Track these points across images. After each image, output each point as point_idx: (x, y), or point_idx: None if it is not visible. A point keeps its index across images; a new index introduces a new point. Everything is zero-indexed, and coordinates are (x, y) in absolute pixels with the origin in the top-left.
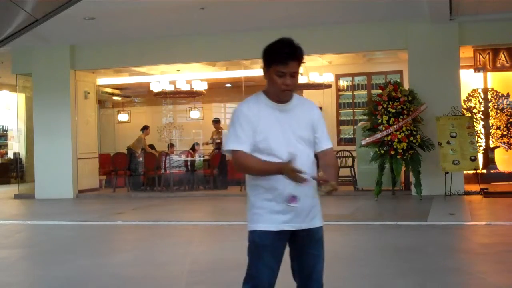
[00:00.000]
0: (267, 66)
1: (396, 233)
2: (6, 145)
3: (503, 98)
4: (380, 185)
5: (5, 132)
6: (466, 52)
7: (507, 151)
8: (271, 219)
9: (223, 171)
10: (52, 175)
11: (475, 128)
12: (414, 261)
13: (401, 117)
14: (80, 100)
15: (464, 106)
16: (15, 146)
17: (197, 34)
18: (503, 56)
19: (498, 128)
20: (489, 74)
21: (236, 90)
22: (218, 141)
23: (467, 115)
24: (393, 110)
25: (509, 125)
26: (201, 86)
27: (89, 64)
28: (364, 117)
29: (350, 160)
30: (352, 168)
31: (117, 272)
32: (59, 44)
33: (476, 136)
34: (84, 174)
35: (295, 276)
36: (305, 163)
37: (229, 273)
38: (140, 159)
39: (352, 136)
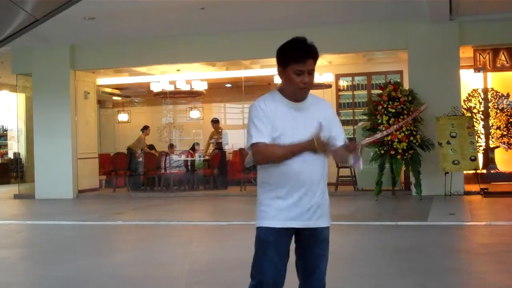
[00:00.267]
0: (283, 65)
1: (396, 233)
2: (6, 145)
3: (503, 98)
4: (380, 185)
5: (5, 132)
6: (466, 52)
7: (507, 151)
8: (276, 216)
9: (223, 171)
10: (52, 175)
11: (475, 128)
12: (414, 261)
13: (401, 117)
14: (80, 100)
15: (464, 106)
16: (15, 146)
17: (197, 34)
18: (503, 56)
19: (498, 128)
20: (489, 74)
21: (236, 90)
22: (220, 140)
23: (467, 115)
24: (393, 110)
25: (509, 125)
26: (201, 86)
27: (89, 64)
28: (364, 117)
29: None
30: (352, 168)
31: (117, 272)
32: (59, 44)
33: (476, 136)
34: (84, 174)
35: (299, 273)
36: (318, 162)
37: (229, 273)
38: (140, 159)
39: (352, 136)
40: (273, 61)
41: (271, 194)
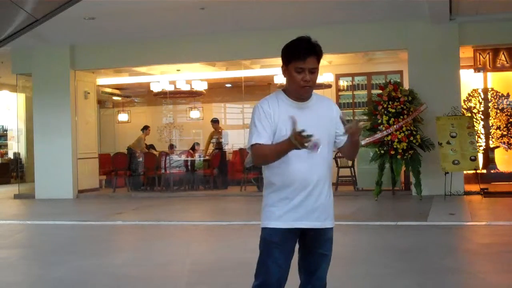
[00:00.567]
0: (286, 63)
1: (396, 233)
2: (6, 145)
3: (503, 98)
4: (380, 185)
5: (5, 132)
6: (466, 52)
7: (507, 151)
8: (282, 217)
9: (223, 171)
10: (52, 175)
11: (475, 128)
12: (414, 261)
13: (401, 117)
14: (80, 100)
15: (464, 106)
16: (15, 146)
17: (197, 34)
18: (503, 56)
19: (498, 128)
20: (489, 74)
21: (236, 90)
22: (220, 140)
23: (467, 115)
24: (393, 110)
25: (509, 125)
26: (201, 86)
27: (89, 64)
28: (364, 117)
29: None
30: (352, 168)
31: (117, 272)
32: (59, 44)
33: (476, 136)
34: (84, 174)
35: (300, 272)
36: (323, 162)
37: (229, 273)
38: (140, 159)
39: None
40: (273, 61)
41: (276, 195)
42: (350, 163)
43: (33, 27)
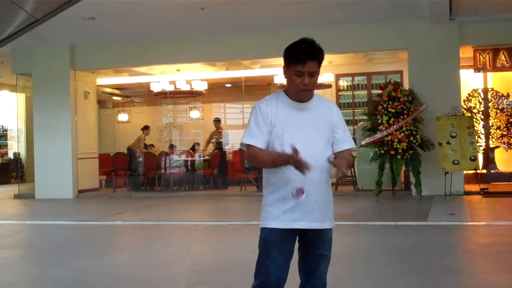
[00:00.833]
0: (287, 65)
1: (396, 233)
2: (6, 145)
3: (503, 98)
4: (380, 185)
5: (5, 132)
6: (466, 52)
7: (507, 151)
8: (280, 217)
9: (223, 171)
10: (52, 175)
11: (475, 128)
12: (414, 261)
13: (401, 117)
14: (80, 100)
15: (464, 106)
16: (15, 146)
17: (197, 34)
18: (503, 56)
19: (498, 128)
20: (489, 74)
21: (236, 90)
22: (221, 140)
23: (467, 115)
24: (393, 110)
25: (509, 125)
26: (201, 86)
27: (89, 64)
28: (364, 117)
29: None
30: (352, 168)
31: (117, 272)
32: (59, 44)
33: (476, 136)
34: (84, 174)
35: (300, 272)
36: (320, 163)
37: (229, 273)
38: (140, 159)
39: (352, 136)
40: (273, 61)
41: (275, 195)
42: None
43: (33, 27)
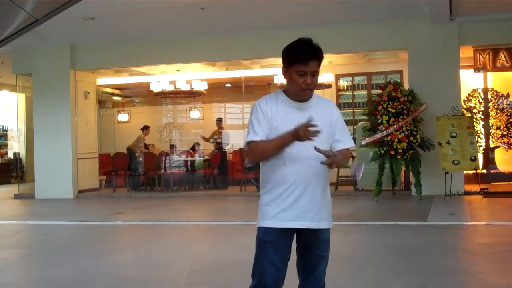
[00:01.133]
0: (287, 66)
1: (396, 233)
2: (6, 145)
3: (503, 98)
4: (380, 185)
5: (5, 132)
6: (466, 52)
7: (507, 151)
8: (276, 216)
9: (223, 171)
10: (52, 175)
11: (475, 128)
12: (414, 261)
13: (401, 117)
14: (80, 100)
15: (464, 106)
16: (15, 146)
17: (197, 34)
18: (503, 56)
19: (498, 128)
20: (489, 74)
21: (236, 90)
22: (219, 140)
23: (467, 115)
24: (393, 110)
25: (509, 125)
26: (201, 86)
27: (89, 64)
28: (364, 117)
29: (350, 160)
30: (353, 175)
31: (117, 272)
32: (59, 44)
33: (476, 136)
34: (84, 174)
35: (299, 272)
36: (317, 161)
37: (229, 273)
38: (140, 159)
39: (352, 136)
40: (273, 61)
41: (271, 195)
42: (350, 163)
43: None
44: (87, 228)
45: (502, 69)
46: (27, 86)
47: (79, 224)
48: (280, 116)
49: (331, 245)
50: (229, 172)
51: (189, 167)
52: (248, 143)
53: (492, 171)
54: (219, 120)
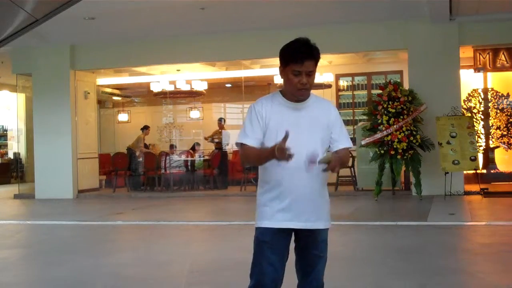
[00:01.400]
0: (283, 65)
1: (396, 233)
2: (6, 145)
3: (503, 98)
4: (380, 185)
5: (5, 132)
6: (466, 52)
7: (507, 151)
8: (273, 216)
9: (223, 171)
10: (52, 175)
11: (475, 128)
12: (414, 261)
13: (401, 117)
14: (80, 100)
15: (464, 106)
16: (15, 146)
17: (197, 34)
18: (503, 56)
19: (498, 128)
20: (489, 74)
21: (236, 90)
22: (217, 140)
23: (467, 115)
24: (393, 110)
25: (509, 125)
26: (201, 86)
27: (89, 64)
28: (364, 117)
29: (350, 160)
30: (352, 168)
31: (117, 272)
32: (59, 44)
33: (476, 136)
34: (84, 174)
35: (297, 272)
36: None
37: (229, 273)
38: (140, 159)
39: (352, 136)
40: (273, 61)
41: (268, 195)
42: (350, 163)
43: (33, 27)
44: (87, 228)
45: (502, 69)
46: (27, 86)
47: (79, 224)
48: (276, 116)
49: (331, 245)
50: (229, 172)
51: (189, 167)
52: (241, 146)
53: (492, 171)
54: (220, 120)
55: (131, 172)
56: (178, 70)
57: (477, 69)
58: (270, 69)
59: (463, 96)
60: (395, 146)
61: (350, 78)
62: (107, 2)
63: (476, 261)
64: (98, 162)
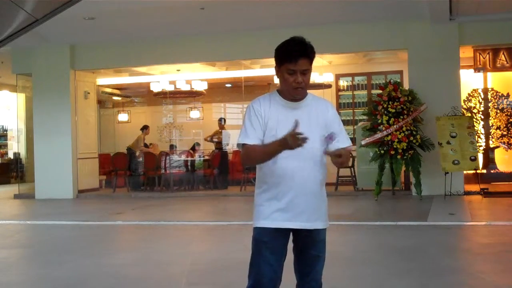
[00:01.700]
0: (278, 65)
1: (396, 233)
2: (6, 145)
3: (503, 98)
4: (380, 185)
5: (5, 132)
6: (466, 52)
7: (507, 151)
8: (271, 216)
9: (223, 171)
10: (52, 175)
11: (475, 128)
12: (414, 261)
13: (401, 117)
14: (80, 100)
15: (464, 106)
16: (15, 146)
17: (197, 34)
18: (503, 56)
19: (498, 128)
20: (489, 74)
21: (236, 90)
22: (216, 140)
23: (467, 115)
24: (393, 110)
25: (509, 125)
26: (201, 86)
27: (89, 64)
28: (364, 117)
29: (350, 160)
30: (352, 168)
31: (117, 272)
32: (59, 44)
33: (476, 136)
34: (84, 174)
35: (296, 272)
36: (312, 162)
37: (229, 273)
38: (140, 159)
39: (352, 136)
40: (273, 61)
41: (266, 194)
42: (350, 163)
43: (33, 27)
44: (87, 228)
45: (502, 69)
46: (27, 86)
47: (79, 224)
48: (274, 116)
49: (331, 245)
50: (229, 172)
51: (189, 167)
52: (242, 146)
53: (492, 171)
54: (220, 120)
55: (131, 172)
56: (178, 70)
57: (477, 69)
58: (270, 69)
59: (463, 96)
60: (395, 146)
61: (350, 78)
62: (107, 2)
63: (476, 261)
64: (98, 162)
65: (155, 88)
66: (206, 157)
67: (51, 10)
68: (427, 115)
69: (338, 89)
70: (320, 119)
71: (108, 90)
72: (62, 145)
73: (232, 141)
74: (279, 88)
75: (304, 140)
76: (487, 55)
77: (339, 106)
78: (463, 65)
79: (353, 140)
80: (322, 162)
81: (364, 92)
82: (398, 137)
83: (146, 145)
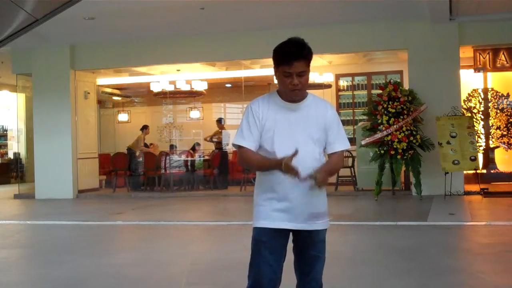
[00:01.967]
0: (275, 66)
1: (396, 233)
2: (6, 145)
3: (503, 98)
4: (380, 185)
5: (5, 132)
6: (466, 52)
7: (507, 151)
8: (270, 216)
9: (223, 171)
10: (52, 175)
11: (475, 128)
12: (414, 261)
13: (401, 117)
14: (80, 100)
15: (464, 106)
16: (15, 146)
17: (197, 34)
18: (503, 56)
19: (498, 128)
20: (489, 74)
21: (236, 90)
22: (215, 140)
23: (467, 115)
24: (393, 110)
25: (509, 125)
26: (201, 86)
27: (89, 64)
28: (364, 117)
29: (350, 160)
30: (352, 168)
31: (117, 272)
32: (59, 44)
33: (476, 136)
34: (84, 174)
35: (296, 272)
36: (310, 164)
37: (229, 273)
38: (140, 159)
39: (352, 136)
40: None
41: (266, 195)
42: (350, 163)
43: (33, 27)
44: (87, 228)
45: (502, 69)
46: (27, 86)
47: (79, 224)
48: (272, 117)
49: (331, 245)
50: (229, 172)
51: (189, 167)
52: (238, 147)
53: (492, 171)
54: (220, 121)
55: (131, 172)
56: (178, 70)
57: (477, 69)
58: (270, 69)
59: (463, 96)
60: (395, 146)
61: (350, 78)
62: (107, 2)
63: (476, 261)
64: (98, 162)
65: (155, 88)
66: (206, 157)
67: (51, 10)
68: (427, 115)
69: (338, 89)
70: (319, 121)
71: (108, 90)
72: (62, 145)
73: (231, 141)
74: (278, 89)
75: (298, 174)
76: (487, 55)
77: (339, 106)
78: (463, 65)
79: (353, 140)
80: (320, 162)
81: (364, 92)
82: (398, 137)
83: (146, 145)
